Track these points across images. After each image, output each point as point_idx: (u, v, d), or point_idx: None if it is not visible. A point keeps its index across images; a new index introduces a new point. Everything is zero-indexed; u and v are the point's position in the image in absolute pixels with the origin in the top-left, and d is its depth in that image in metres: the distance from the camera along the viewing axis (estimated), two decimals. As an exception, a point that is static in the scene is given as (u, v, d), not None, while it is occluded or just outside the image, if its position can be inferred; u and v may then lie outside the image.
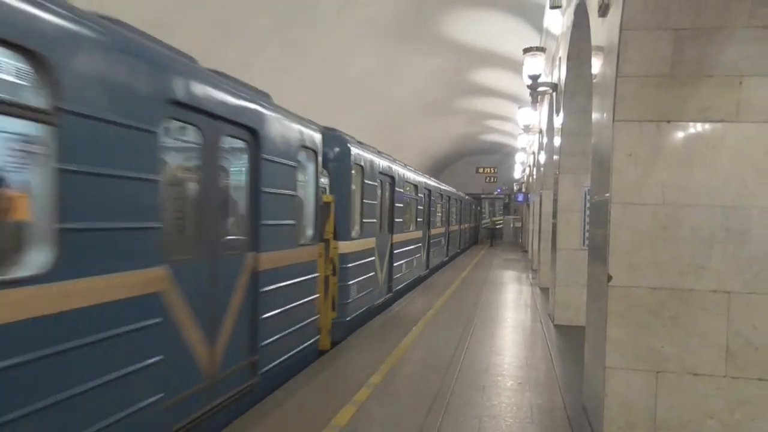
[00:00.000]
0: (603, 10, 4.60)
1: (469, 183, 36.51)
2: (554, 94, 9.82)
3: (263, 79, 10.52)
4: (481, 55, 16.11)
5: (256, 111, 5.09)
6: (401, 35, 14.41)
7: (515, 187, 33.79)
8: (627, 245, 4.16)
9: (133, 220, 3.41)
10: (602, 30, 4.72)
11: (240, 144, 4.97)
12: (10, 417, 2.58)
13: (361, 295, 8.78)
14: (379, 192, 10.01)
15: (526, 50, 9.16)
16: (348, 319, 8.15)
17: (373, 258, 9.48)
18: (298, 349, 6.13)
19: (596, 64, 4.98)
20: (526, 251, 24.82)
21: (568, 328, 8.62)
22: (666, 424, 4.05)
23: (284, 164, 5.65)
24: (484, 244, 34.95)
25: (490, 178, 38.08)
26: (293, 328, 5.97)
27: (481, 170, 37.74)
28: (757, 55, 3.92)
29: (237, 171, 5.11)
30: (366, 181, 8.97)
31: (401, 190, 11.71)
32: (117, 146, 3.27)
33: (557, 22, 9.69)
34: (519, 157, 26.45)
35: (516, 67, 13.26)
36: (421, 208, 14.54)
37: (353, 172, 8.35)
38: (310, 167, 6.62)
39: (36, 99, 2.79)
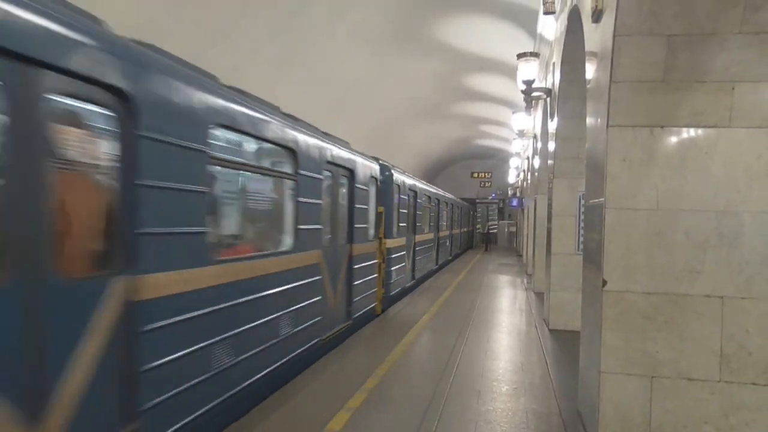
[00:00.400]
0: (596, 16, 4.62)
1: (463, 187, 36.61)
2: (548, 99, 9.86)
3: (256, 85, 10.51)
4: (475, 60, 16.15)
5: (352, 160, 8.48)
6: (395, 40, 14.45)
7: (510, 192, 33.86)
8: (621, 250, 4.17)
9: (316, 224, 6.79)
10: (596, 35, 4.74)
11: (344, 177, 8.21)
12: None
13: (398, 278, 12.11)
14: (407, 203, 13.12)
15: (520, 55, 9.20)
16: (391, 294, 11.45)
17: (404, 252, 12.79)
18: (368, 308, 9.62)
19: (590, 70, 5.00)
20: (521, 256, 24.85)
21: (563, 333, 8.63)
22: (661, 429, 4.05)
23: (363, 189, 9.06)
24: (479, 248, 34.97)
25: (484, 183, 38.16)
26: (366, 294, 9.38)
27: (475, 175, 37.81)
28: (750, 61, 3.94)
29: (341, 195, 8.22)
30: (401, 196, 12.25)
31: (421, 201, 15.13)
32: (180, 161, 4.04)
33: (551, 27, 9.73)
34: (513, 162, 26.49)
35: (510, 72, 13.31)
36: (433, 214, 18.16)
37: (394, 190, 11.44)
38: (372, 189, 9.93)
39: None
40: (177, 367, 3.99)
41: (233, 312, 4.79)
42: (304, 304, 6.50)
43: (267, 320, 5.52)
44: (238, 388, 4.91)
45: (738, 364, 3.96)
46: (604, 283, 4.17)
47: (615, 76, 4.15)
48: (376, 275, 10.06)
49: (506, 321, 9.92)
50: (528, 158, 19.03)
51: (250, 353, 5.13)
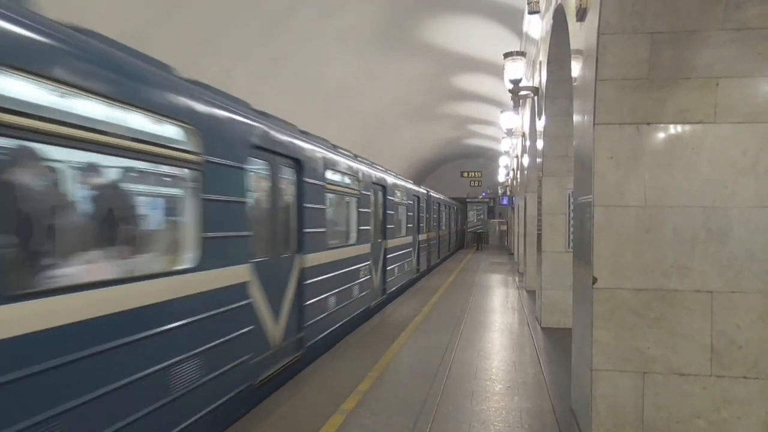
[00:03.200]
0: (581, 15, 4.64)
1: (454, 187, 36.65)
2: (536, 97, 9.89)
3: (244, 89, 10.49)
4: (462, 60, 16.19)
5: (383, 178, 11.69)
6: (382, 42, 14.45)
7: (500, 191, 33.94)
8: (611, 247, 4.18)
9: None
10: (580, 34, 4.76)
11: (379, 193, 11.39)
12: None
13: (402, 272, 13.97)
14: (414, 206, 15.73)
15: (507, 55, 9.21)
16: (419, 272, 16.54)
17: (411, 249, 15.29)
18: (396, 287, 13.17)
19: (576, 68, 5.02)
20: (512, 254, 24.92)
21: (555, 331, 8.65)
22: (654, 425, 4.07)
23: (404, 203, 13.55)
24: (470, 247, 35.03)
25: (474, 182, 38.24)
26: (396, 276, 12.91)
27: (465, 174, 37.90)
28: (733, 57, 3.97)
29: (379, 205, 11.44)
30: (405, 200, 14.52)
31: (423, 206, 17.68)
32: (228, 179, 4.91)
33: (536, 26, 9.76)
34: (503, 161, 26.54)
35: (497, 71, 13.34)
36: (435, 216, 20.99)
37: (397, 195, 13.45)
38: (380, 195, 11.74)
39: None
40: (317, 305, 7.23)
41: (338, 278, 8.13)
42: (363, 279, 9.80)
43: (350, 286, 8.83)
44: (340, 323, 8.27)
45: (728, 359, 3.99)
46: (595, 280, 4.19)
47: (600, 75, 4.17)
48: (407, 260, 14.49)
49: (499, 320, 9.94)
50: (517, 157, 19.08)
51: (343, 305, 8.43)
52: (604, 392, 4.18)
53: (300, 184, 6.74)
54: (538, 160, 9.51)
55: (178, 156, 4.22)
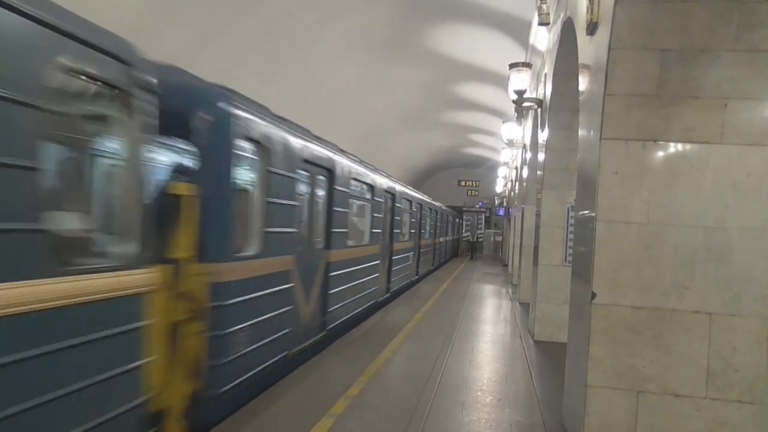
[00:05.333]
0: (591, 29, 4.65)
1: (450, 195, 36.63)
2: (539, 109, 9.90)
3: (244, 89, 10.39)
4: (465, 68, 16.22)
5: (393, 187, 12.72)
6: (384, 47, 14.46)
7: (496, 201, 33.98)
8: (611, 263, 4.18)
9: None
10: (590, 48, 4.76)
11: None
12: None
13: (405, 274, 15.11)
14: (417, 213, 17.06)
15: (513, 65, 9.23)
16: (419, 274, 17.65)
17: (412, 252, 16.37)
18: (399, 286, 14.24)
19: (583, 82, 5.02)
20: (506, 265, 24.92)
21: (548, 345, 8.63)
22: (646, 444, 4.05)
23: (409, 210, 15.05)
24: (464, 256, 35.03)
25: (471, 191, 38.25)
26: (400, 276, 14.19)
27: (462, 183, 37.87)
28: (742, 78, 3.98)
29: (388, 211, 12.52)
30: (409, 208, 15.76)
31: (424, 213, 18.79)
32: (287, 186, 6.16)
33: (543, 38, 9.79)
34: (501, 171, 26.61)
35: (500, 81, 13.38)
36: (433, 223, 21.55)
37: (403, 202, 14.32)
38: (390, 202, 12.72)
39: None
40: (338, 294, 8.32)
41: (355, 272, 9.31)
42: (374, 276, 10.95)
43: (364, 281, 10.05)
44: (356, 311, 9.53)
45: (724, 381, 3.98)
46: (593, 296, 4.17)
47: (609, 89, 4.17)
48: (408, 263, 15.45)
49: (491, 331, 9.92)
50: (516, 168, 19.11)
51: (359, 296, 9.73)
52: (598, 409, 4.16)
53: (330, 191, 7.96)
54: (539, 172, 9.51)
55: (258, 168, 5.55)
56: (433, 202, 21.38)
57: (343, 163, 8.45)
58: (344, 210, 8.60)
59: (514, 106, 10.12)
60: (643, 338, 4.09)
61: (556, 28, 7.54)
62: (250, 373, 5.39)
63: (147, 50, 4.06)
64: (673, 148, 4.13)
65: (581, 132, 4.99)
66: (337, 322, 8.39)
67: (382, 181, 11.51)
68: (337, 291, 8.35)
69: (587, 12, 4.66)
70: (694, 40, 4.00)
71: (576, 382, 4.56)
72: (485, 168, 35.41)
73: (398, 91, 18.27)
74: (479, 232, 39.45)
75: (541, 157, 9.33)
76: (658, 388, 4.06)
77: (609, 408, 4.13)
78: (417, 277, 17.62)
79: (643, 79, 4.09)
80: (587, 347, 4.20)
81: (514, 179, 21.51)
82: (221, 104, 4.87)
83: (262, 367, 5.66)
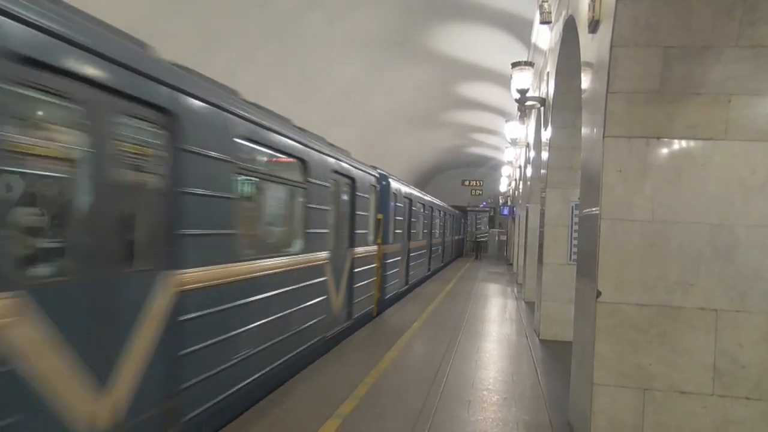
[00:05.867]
0: (593, 27, 4.64)
1: (454, 195, 36.62)
2: (542, 108, 9.90)
3: (249, 91, 10.38)
4: (468, 68, 16.21)
5: (411, 193, 14.77)
6: (388, 48, 14.47)
7: (501, 201, 33.95)
8: (616, 261, 4.17)
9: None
10: (592, 46, 4.76)
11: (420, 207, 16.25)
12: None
13: (419, 269, 16.68)
14: (429, 215, 18.25)
15: (515, 64, 9.23)
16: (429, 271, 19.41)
17: (425, 251, 17.94)
18: (418, 278, 16.48)
19: (586, 80, 5.02)
20: (511, 264, 24.89)
21: (554, 343, 8.62)
22: (653, 442, 4.05)
23: (422, 213, 17.19)
24: (469, 256, 35.01)
25: (475, 191, 38.24)
26: (417, 270, 16.00)
27: (466, 183, 37.86)
28: (745, 74, 3.97)
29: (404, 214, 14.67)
30: (423, 211, 17.44)
31: (435, 215, 20.23)
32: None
33: (545, 37, 9.78)
34: (505, 171, 26.59)
35: (503, 81, 13.37)
36: (441, 224, 22.95)
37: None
38: (408, 207, 14.58)
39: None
40: (362, 287, 9.50)
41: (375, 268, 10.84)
42: (394, 271, 12.62)
43: (391, 273, 12.12)
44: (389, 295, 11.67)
45: (731, 378, 3.97)
46: (598, 294, 4.17)
47: (611, 87, 4.16)
48: (421, 260, 17.02)
49: (496, 330, 9.91)
50: (520, 167, 19.10)
51: (389, 284, 11.76)
52: (604, 407, 4.15)
53: (353, 197, 9.11)
54: (542, 171, 9.51)
55: (300, 181, 6.73)
56: (440, 204, 22.72)
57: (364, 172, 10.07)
58: (366, 214, 10.61)
59: (517, 105, 10.11)
60: (648, 336, 4.09)
61: (558, 26, 7.54)
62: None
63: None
64: (677, 145, 4.12)
65: (584, 130, 4.99)
66: (361, 312, 9.83)
67: (401, 189, 13.51)
68: (362, 284, 9.86)
69: (589, 10, 4.66)
70: (696, 36, 3.99)
71: (582, 381, 4.56)
72: (489, 167, 35.41)
73: (402, 90, 18.28)
74: (481, 231, 39.42)
75: (544, 155, 9.33)
76: (664, 385, 4.05)
77: (615, 406, 4.13)
78: (429, 272, 19.39)
79: (646, 76, 4.09)
80: (593, 345, 4.20)
81: (518, 178, 21.49)
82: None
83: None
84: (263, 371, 5.58)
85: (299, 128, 6.81)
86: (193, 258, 4.22)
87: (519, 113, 12.64)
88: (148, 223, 3.87)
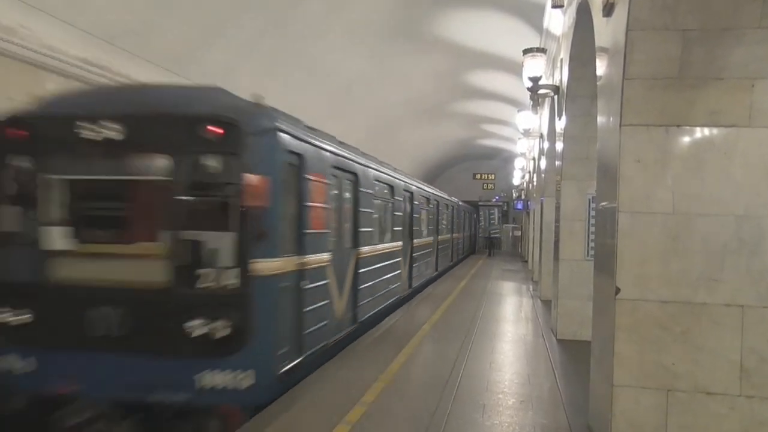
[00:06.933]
0: (607, 10, 4.60)
1: (465, 190, 36.52)
2: (555, 96, 9.85)
3: (250, 85, 10.40)
4: (478, 56, 16.16)
5: (434, 194, 18.25)
6: (394, 37, 14.44)
7: (514, 194, 33.85)
8: (635, 256, 4.14)
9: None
10: (607, 30, 4.72)
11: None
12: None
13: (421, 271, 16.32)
14: (432, 208, 18.26)
15: (526, 51, 9.18)
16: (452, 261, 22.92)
17: (431, 249, 17.77)
18: (458, 257, 26.21)
19: (601, 66, 4.98)
20: (526, 261, 24.83)
21: (572, 343, 8.59)
22: (677, 446, 4.02)
23: (445, 212, 21.19)
24: (482, 253, 34.94)
25: (487, 185, 38.12)
26: (456, 252, 24.71)
27: (478, 176, 37.75)
28: (770, 57, 3.92)
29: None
30: (446, 210, 20.83)
31: (442, 209, 20.23)
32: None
33: (558, 22, 9.73)
34: (518, 163, 26.50)
35: (515, 68, 13.30)
36: (458, 220, 25.52)
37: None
38: (434, 207, 17.71)
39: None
40: (419, 266, 14.61)
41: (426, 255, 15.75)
42: (396, 273, 12.56)
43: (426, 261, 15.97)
44: (381, 306, 10.42)
45: (759, 378, 3.93)
46: (618, 291, 4.14)
47: (628, 73, 4.13)
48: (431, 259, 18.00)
49: (511, 330, 9.89)
50: (534, 159, 19.03)
51: (384, 291, 11.20)
52: (625, 409, 4.13)
53: (411, 205, 13.77)
54: (557, 162, 9.46)
55: (391, 198, 11.04)
56: (450, 198, 23.51)
57: (367, 169, 9.62)
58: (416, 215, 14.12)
59: (529, 93, 10.07)
60: (671, 334, 4.06)
61: (571, 10, 7.48)
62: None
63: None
64: (699, 132, 4.08)
65: (600, 119, 4.95)
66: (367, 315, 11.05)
67: (428, 191, 16.52)
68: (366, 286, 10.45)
69: (603, -8, 4.62)
70: (717, 18, 3.94)
71: (601, 382, 4.53)
72: (501, 160, 35.31)
73: (409, 81, 18.24)
74: (494, 227, 39.34)
75: (559, 146, 9.28)
76: (688, 386, 4.02)
77: (637, 408, 4.10)
78: (436, 273, 18.90)
79: (664, 61, 4.05)
80: (613, 345, 4.17)
81: (532, 171, 21.40)
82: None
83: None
84: (380, 307, 10.13)
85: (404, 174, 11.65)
86: (362, 242, 8.80)
87: (532, 102, 12.58)
88: (351, 227, 8.41)
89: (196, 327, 4.88)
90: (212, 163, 5.02)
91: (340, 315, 7.64)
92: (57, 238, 5.34)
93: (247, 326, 4.99)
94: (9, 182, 5.37)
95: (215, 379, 4.95)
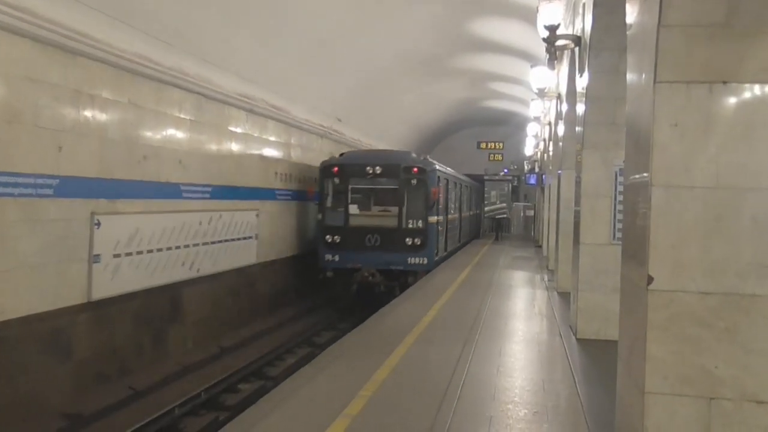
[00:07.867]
0: (641, -58, 4.55)
1: (468, 161, 36.60)
2: (576, 49, 9.82)
3: (208, 40, 10.31)
4: (483, 0, 16.06)
5: (468, 180, 33.34)
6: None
7: (526, 167, 33.98)
8: (671, 239, 4.12)
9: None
10: (640, -33, 4.67)
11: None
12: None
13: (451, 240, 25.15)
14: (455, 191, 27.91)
15: (542, -6, 9.13)
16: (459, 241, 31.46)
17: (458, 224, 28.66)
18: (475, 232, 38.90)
19: (631, 11, 4.93)
20: (540, 246, 25.00)
21: (595, 343, 8.66)
22: (721, 464, 4.04)
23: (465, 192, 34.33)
24: (488, 237, 35.15)
25: (494, 155, 38.18)
26: (471, 229, 35.04)
27: (483, 145, 37.82)
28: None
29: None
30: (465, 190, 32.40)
31: (464, 191, 30.03)
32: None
33: (580, -42, 9.65)
34: (531, 129, 26.55)
35: (528, 15, 13.21)
36: (467, 198, 31.13)
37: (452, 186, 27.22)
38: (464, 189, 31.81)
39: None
40: (467, 228, 31.94)
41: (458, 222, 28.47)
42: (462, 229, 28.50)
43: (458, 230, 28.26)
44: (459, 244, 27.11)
45: (819, 384, 3.95)
46: (650, 280, 4.13)
47: (664, 19, 4.07)
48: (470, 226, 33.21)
49: (523, 328, 9.96)
50: (550, 124, 19.04)
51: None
52: (659, 421, 4.14)
53: (478, 191, 32.86)
54: (578, 128, 9.45)
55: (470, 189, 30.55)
56: (462, 177, 29.36)
57: (446, 173, 23.27)
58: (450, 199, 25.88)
59: (545, 45, 10.01)
60: (714, 332, 4.06)
61: (596, -56, 7.42)
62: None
63: None
64: (749, 91, 4.05)
65: (630, 75, 4.91)
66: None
67: (465, 180, 29.54)
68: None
69: None
70: (774, -50, 3.91)
71: (631, 389, 4.55)
72: (512, 125, 35.27)
73: (400, 32, 18.12)
74: (499, 206, 39.59)
75: (580, 109, 9.26)
76: (734, 393, 4.03)
77: (673, 419, 4.11)
78: (460, 243, 27.85)
79: (709, 4, 4.01)
80: (644, 345, 4.17)
81: (547, 138, 21.43)
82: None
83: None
84: (459, 244, 26.91)
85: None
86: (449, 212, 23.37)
87: (548, 56, 12.48)
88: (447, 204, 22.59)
89: (408, 240, 17.27)
90: (414, 182, 17.73)
91: (451, 240, 23.53)
92: (352, 209, 17.91)
93: (425, 241, 17.43)
94: (333, 188, 17.91)
95: (414, 260, 17.21)
